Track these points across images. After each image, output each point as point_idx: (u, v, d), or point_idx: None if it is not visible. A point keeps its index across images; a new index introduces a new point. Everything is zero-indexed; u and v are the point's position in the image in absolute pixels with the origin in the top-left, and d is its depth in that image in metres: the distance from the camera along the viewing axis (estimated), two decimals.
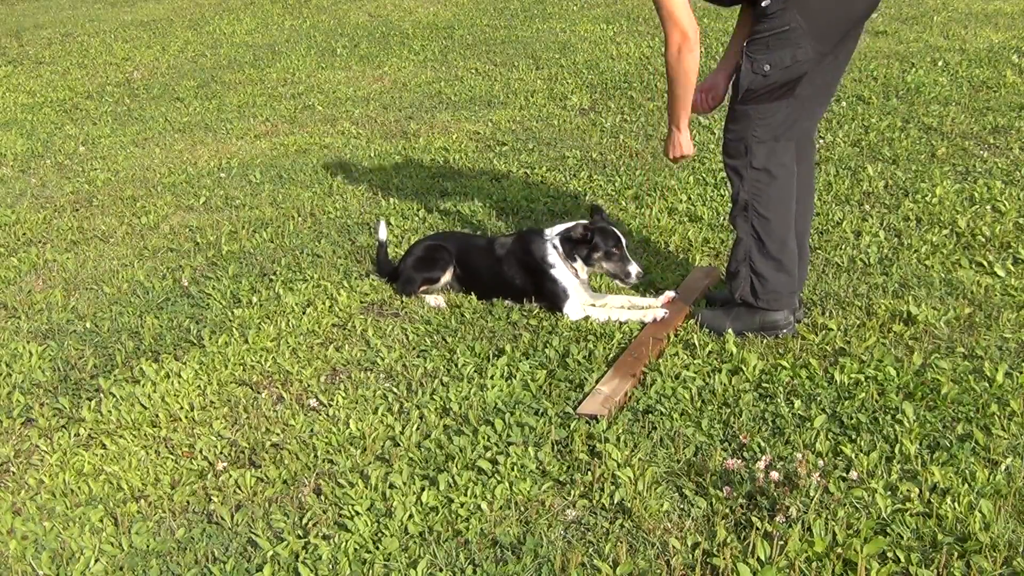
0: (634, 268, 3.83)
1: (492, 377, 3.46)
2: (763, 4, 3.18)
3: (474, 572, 2.56)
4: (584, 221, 3.91)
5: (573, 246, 3.87)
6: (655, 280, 4.15)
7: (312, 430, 3.29)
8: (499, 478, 2.90)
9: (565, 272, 3.90)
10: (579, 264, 3.89)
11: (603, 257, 3.84)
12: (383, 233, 4.42)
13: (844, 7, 3.23)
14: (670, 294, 3.91)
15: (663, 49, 3.34)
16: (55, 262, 5.02)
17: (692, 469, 2.88)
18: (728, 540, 2.56)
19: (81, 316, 4.34)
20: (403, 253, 4.34)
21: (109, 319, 4.27)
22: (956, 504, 2.59)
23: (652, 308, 3.80)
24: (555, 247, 3.91)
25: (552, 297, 3.91)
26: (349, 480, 2.97)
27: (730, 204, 3.56)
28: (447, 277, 4.15)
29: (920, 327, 3.56)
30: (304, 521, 2.82)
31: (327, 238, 4.96)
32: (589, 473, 2.90)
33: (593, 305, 3.92)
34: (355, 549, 2.67)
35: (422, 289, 4.16)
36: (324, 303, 4.19)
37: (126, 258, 4.99)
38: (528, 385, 3.40)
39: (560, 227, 3.97)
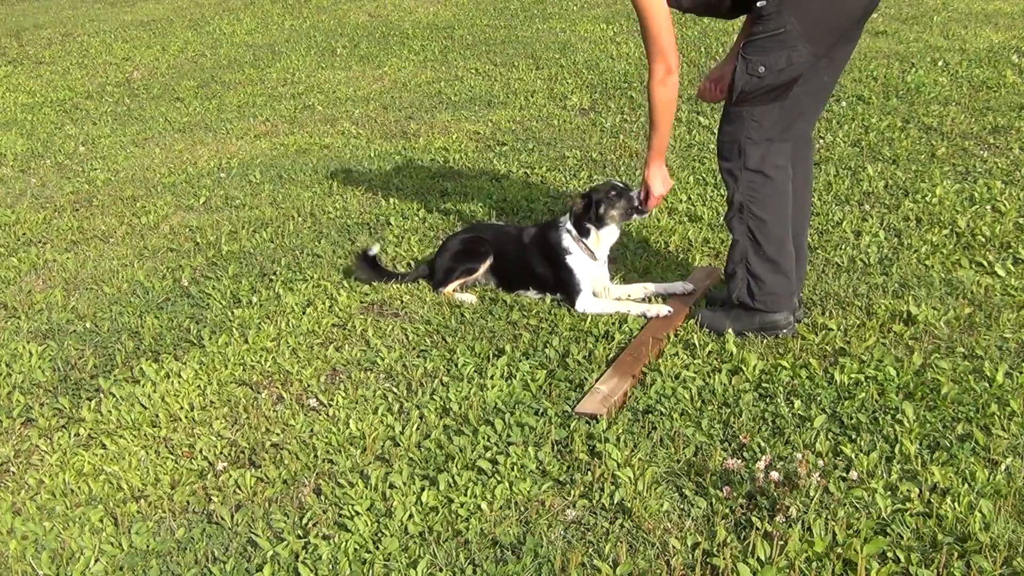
0: (635, 193, 3.83)
1: (492, 377, 3.46)
2: (759, 4, 3.20)
3: (474, 572, 2.56)
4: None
5: (580, 219, 3.93)
6: (656, 279, 4.15)
7: (312, 430, 3.29)
8: (499, 478, 2.90)
9: (581, 261, 3.95)
10: (595, 236, 3.92)
11: (608, 206, 3.87)
12: (375, 249, 4.40)
13: (838, 10, 3.23)
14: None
15: (647, 80, 3.46)
16: (55, 262, 5.02)
17: (692, 469, 2.88)
18: (728, 540, 2.56)
19: (81, 316, 4.34)
20: (439, 247, 4.34)
21: (109, 319, 4.27)
22: (956, 504, 2.59)
23: (657, 304, 3.81)
24: (568, 231, 3.98)
25: (567, 288, 3.97)
26: (349, 480, 2.97)
27: (725, 206, 3.57)
28: (485, 267, 4.19)
29: (920, 327, 3.56)
30: (304, 521, 2.82)
31: (327, 238, 4.96)
32: (589, 473, 2.90)
33: (600, 298, 3.98)
34: (355, 549, 2.67)
35: (459, 281, 4.18)
36: (324, 303, 4.19)
37: (126, 258, 4.99)
38: (528, 385, 3.41)
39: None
